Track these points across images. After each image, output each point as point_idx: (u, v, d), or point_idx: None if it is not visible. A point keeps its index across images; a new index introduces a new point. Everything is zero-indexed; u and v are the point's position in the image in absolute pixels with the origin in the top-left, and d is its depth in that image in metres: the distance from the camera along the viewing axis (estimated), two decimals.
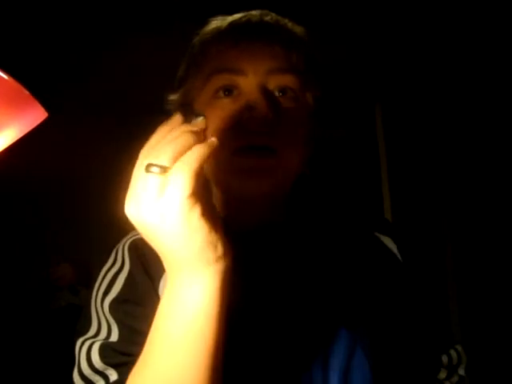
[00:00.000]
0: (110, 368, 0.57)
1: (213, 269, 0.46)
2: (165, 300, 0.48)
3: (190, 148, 0.43)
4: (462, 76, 2.66)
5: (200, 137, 0.45)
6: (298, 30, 0.69)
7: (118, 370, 0.56)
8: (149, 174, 0.42)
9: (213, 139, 0.45)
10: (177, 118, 0.46)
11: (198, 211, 0.43)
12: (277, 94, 0.63)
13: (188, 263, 0.45)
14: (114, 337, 0.59)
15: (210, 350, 0.47)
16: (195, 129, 0.45)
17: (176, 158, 0.42)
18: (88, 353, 0.59)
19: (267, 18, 0.67)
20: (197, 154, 0.43)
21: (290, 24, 0.68)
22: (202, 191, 0.44)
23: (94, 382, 0.58)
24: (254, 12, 0.67)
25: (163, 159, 0.42)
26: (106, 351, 0.58)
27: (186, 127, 0.45)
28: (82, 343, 0.61)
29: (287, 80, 0.63)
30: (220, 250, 0.45)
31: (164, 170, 0.42)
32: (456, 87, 2.75)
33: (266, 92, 0.61)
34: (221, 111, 0.62)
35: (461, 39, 2.39)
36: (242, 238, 0.62)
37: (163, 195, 0.42)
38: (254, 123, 0.60)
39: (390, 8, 2.17)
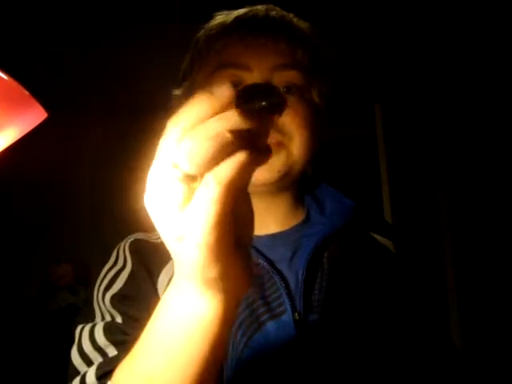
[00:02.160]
0: (111, 345, 0.57)
1: (216, 298, 0.39)
2: (163, 300, 0.44)
3: (230, 154, 0.32)
4: (462, 76, 2.66)
5: (248, 137, 0.32)
6: (304, 25, 0.68)
7: (118, 347, 0.56)
8: (173, 178, 0.33)
9: (264, 146, 0.34)
10: (221, 92, 0.32)
11: (221, 243, 0.34)
12: (282, 90, 0.62)
13: (192, 283, 0.39)
14: (119, 320, 0.59)
15: (192, 363, 0.41)
16: (245, 123, 0.32)
17: (209, 165, 0.32)
18: (91, 331, 0.59)
19: (273, 13, 0.66)
20: (237, 167, 0.32)
21: (295, 19, 0.68)
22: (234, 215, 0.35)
23: (93, 359, 0.57)
24: (259, 7, 0.67)
25: (192, 165, 0.32)
26: (111, 329, 0.58)
27: (232, 118, 0.32)
28: (84, 326, 0.61)
29: (292, 76, 0.63)
30: (230, 283, 0.39)
31: (192, 178, 0.33)
32: (455, 87, 2.75)
33: None
34: None
35: (460, 39, 2.39)
36: (267, 241, 0.64)
37: (186, 210, 0.34)
38: None
39: (389, 8, 2.17)
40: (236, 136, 0.31)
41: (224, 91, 0.32)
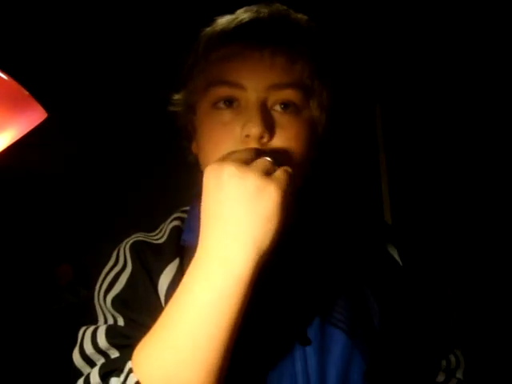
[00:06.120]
0: (113, 348, 0.57)
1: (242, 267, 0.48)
2: (186, 277, 0.50)
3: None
4: (462, 77, 2.66)
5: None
6: (309, 29, 0.66)
7: (120, 350, 0.57)
8: (263, 158, 0.51)
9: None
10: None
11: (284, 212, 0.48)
12: (277, 108, 0.61)
13: (223, 243, 0.48)
14: (121, 323, 0.60)
15: (215, 333, 0.48)
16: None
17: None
18: (94, 334, 0.59)
19: (276, 19, 0.64)
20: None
21: (302, 21, 0.66)
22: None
23: (95, 360, 0.58)
24: (262, 12, 0.65)
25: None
26: (112, 332, 0.58)
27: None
28: (87, 328, 0.61)
29: (288, 94, 0.61)
30: (265, 248, 0.48)
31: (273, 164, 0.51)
32: (456, 88, 2.76)
33: (263, 110, 0.60)
34: (220, 125, 0.61)
35: (460, 40, 2.39)
36: None
37: (269, 177, 0.49)
38: (250, 142, 0.59)
39: (389, 9, 2.17)
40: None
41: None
